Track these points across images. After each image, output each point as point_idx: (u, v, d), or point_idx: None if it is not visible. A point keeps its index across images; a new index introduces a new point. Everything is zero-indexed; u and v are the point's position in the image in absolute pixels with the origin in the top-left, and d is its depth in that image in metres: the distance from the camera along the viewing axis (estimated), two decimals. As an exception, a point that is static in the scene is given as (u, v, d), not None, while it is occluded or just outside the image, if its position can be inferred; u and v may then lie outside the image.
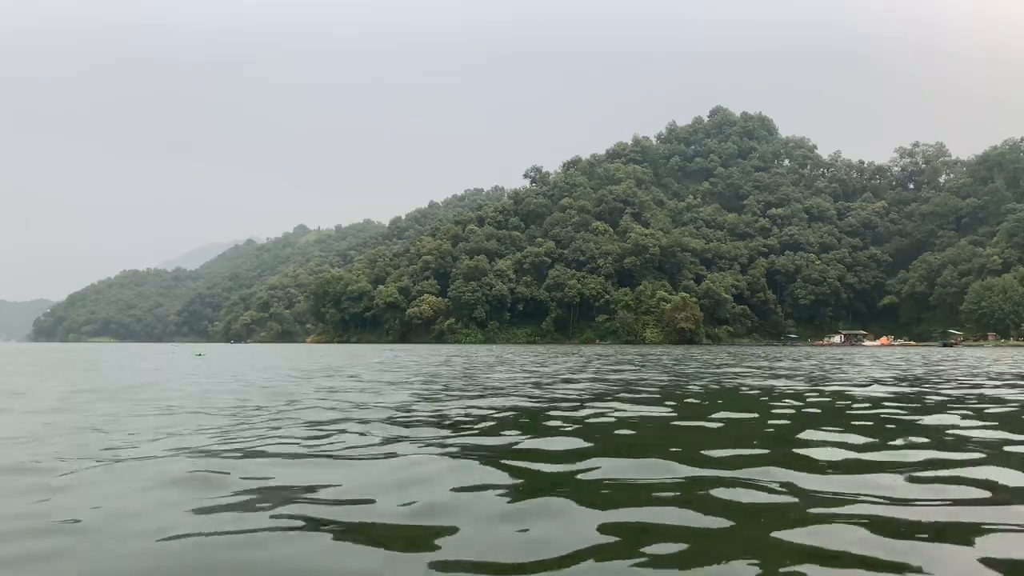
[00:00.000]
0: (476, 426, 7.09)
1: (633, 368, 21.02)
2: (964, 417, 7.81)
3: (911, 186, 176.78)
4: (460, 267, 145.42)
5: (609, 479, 4.45)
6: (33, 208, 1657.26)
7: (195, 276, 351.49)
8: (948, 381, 14.77)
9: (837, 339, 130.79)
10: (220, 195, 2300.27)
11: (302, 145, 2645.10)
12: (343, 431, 6.70)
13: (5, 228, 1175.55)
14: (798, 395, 10.98)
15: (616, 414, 8.15)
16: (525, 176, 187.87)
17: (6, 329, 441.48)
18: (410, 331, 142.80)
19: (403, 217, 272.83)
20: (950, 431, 6.69)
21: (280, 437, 6.35)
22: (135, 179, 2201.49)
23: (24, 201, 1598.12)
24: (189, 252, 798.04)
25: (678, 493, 4.03)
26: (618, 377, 16.06)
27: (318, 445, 5.84)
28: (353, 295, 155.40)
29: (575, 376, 16.60)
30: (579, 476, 4.56)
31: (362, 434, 6.49)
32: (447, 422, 7.41)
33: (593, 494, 3.99)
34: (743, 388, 12.70)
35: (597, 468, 4.76)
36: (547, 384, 13.66)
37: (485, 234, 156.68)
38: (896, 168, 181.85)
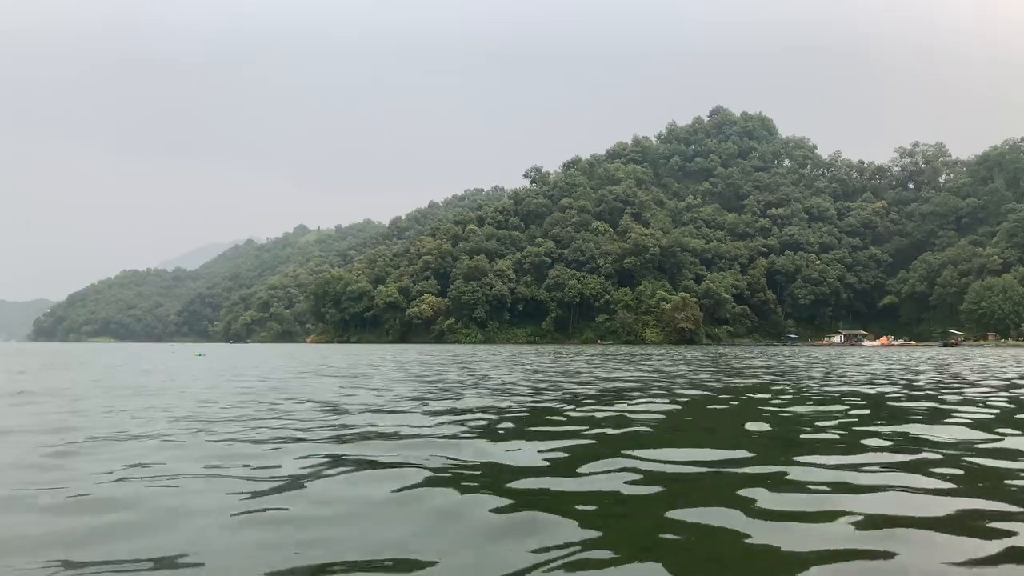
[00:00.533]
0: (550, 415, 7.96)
1: (645, 368, 21.01)
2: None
3: (911, 186, 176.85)
4: (460, 267, 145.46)
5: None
6: (33, 208, 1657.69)
7: (195, 276, 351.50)
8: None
9: (837, 339, 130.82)
10: (220, 195, 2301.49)
11: (302, 145, 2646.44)
12: (447, 423, 7.25)
13: (5, 228, 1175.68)
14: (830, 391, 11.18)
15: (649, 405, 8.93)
16: (525, 176, 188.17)
17: (6, 329, 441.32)
18: (410, 331, 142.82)
19: (403, 217, 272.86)
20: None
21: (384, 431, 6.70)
22: (135, 179, 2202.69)
23: (24, 201, 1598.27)
24: (189, 252, 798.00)
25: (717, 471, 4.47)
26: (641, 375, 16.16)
27: (438, 430, 6.58)
28: (353, 295, 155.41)
29: (601, 373, 17.22)
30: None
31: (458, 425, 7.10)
32: (522, 415, 8.01)
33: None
34: (769, 383, 13.03)
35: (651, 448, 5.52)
36: (584, 382, 14.09)
37: (485, 234, 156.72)
38: (896, 168, 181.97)
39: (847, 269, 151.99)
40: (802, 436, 6.24)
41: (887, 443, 5.77)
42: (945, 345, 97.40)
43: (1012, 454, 5.25)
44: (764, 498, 3.83)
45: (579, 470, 4.61)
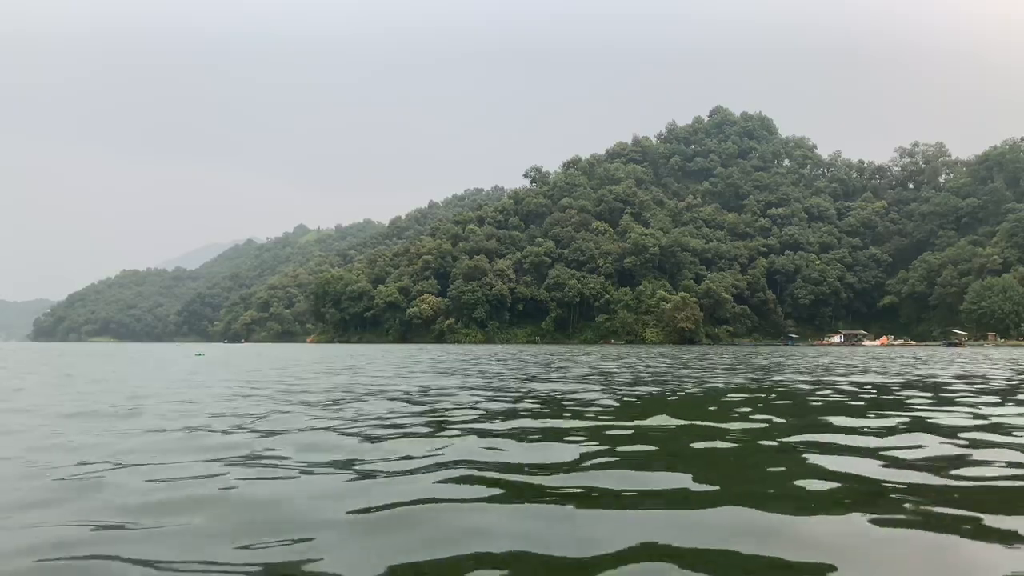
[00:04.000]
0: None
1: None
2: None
3: (911, 186, 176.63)
4: (460, 267, 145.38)
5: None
6: (33, 209, 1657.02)
7: (195, 276, 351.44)
8: None
9: (837, 339, 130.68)
10: (220, 195, 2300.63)
11: (302, 145, 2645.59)
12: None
13: (6, 229, 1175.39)
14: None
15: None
16: (525, 176, 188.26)
17: (6, 329, 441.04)
18: (410, 331, 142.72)
19: (403, 217, 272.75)
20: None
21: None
22: (135, 180, 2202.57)
23: (24, 202, 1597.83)
24: (189, 252, 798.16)
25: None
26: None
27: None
28: (353, 295, 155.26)
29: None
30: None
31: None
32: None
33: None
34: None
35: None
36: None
37: (485, 234, 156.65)
38: (896, 168, 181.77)
39: (847, 269, 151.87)
40: None
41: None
42: (949, 345, 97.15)
43: None
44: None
45: None
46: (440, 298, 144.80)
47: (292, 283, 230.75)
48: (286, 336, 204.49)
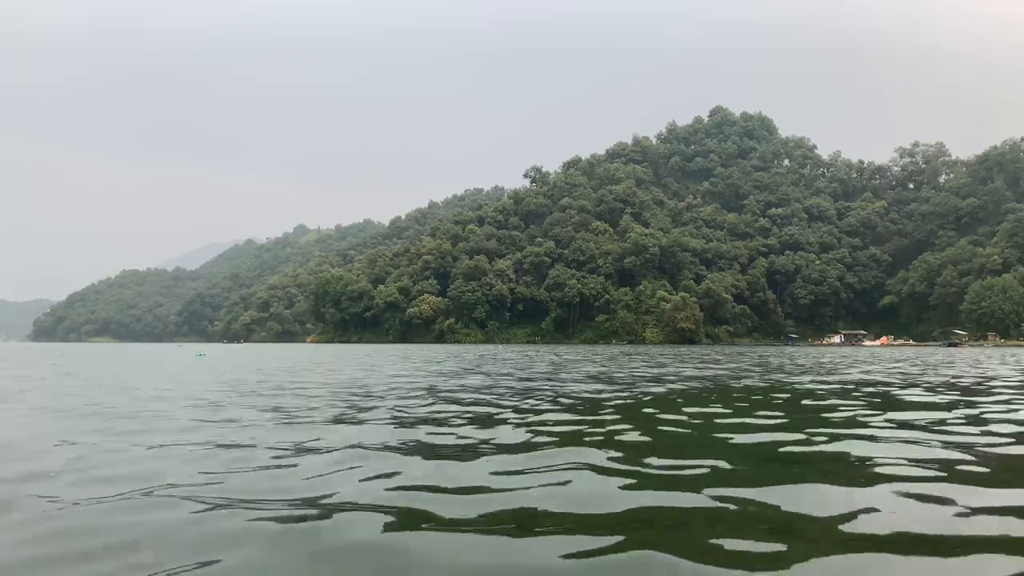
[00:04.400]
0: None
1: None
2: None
3: (911, 186, 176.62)
4: (460, 267, 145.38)
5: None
6: (33, 209, 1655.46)
7: (195, 276, 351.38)
8: None
9: (837, 339, 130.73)
10: (220, 195, 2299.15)
11: (302, 145, 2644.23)
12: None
13: (6, 229, 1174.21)
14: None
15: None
16: (525, 176, 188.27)
17: (6, 329, 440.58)
18: (410, 331, 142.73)
19: (403, 217, 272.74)
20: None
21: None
22: (135, 180, 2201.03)
23: (24, 202, 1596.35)
24: (189, 252, 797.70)
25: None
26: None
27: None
28: (353, 295, 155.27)
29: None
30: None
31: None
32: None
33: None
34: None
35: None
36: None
37: (485, 234, 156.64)
38: (896, 168, 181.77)
39: (847, 269, 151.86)
40: None
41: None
42: (949, 345, 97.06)
43: None
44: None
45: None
46: (440, 298, 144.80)
47: (292, 283, 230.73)
48: (286, 336, 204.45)
